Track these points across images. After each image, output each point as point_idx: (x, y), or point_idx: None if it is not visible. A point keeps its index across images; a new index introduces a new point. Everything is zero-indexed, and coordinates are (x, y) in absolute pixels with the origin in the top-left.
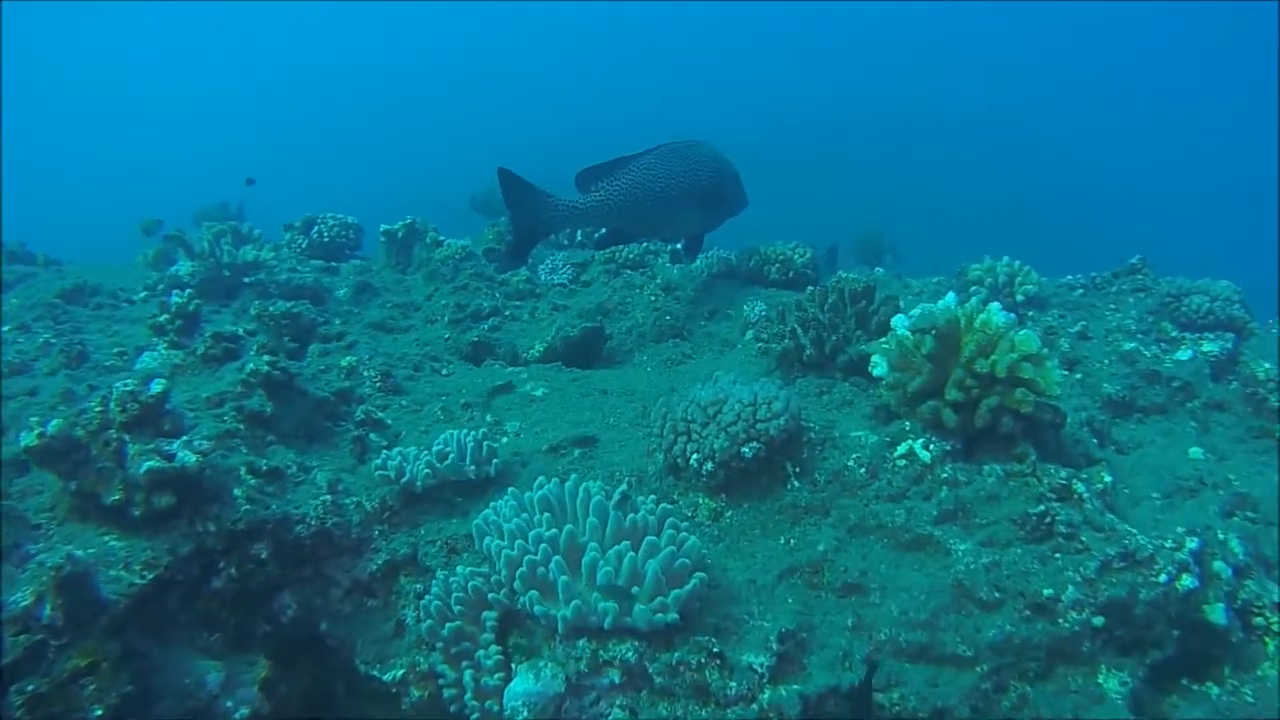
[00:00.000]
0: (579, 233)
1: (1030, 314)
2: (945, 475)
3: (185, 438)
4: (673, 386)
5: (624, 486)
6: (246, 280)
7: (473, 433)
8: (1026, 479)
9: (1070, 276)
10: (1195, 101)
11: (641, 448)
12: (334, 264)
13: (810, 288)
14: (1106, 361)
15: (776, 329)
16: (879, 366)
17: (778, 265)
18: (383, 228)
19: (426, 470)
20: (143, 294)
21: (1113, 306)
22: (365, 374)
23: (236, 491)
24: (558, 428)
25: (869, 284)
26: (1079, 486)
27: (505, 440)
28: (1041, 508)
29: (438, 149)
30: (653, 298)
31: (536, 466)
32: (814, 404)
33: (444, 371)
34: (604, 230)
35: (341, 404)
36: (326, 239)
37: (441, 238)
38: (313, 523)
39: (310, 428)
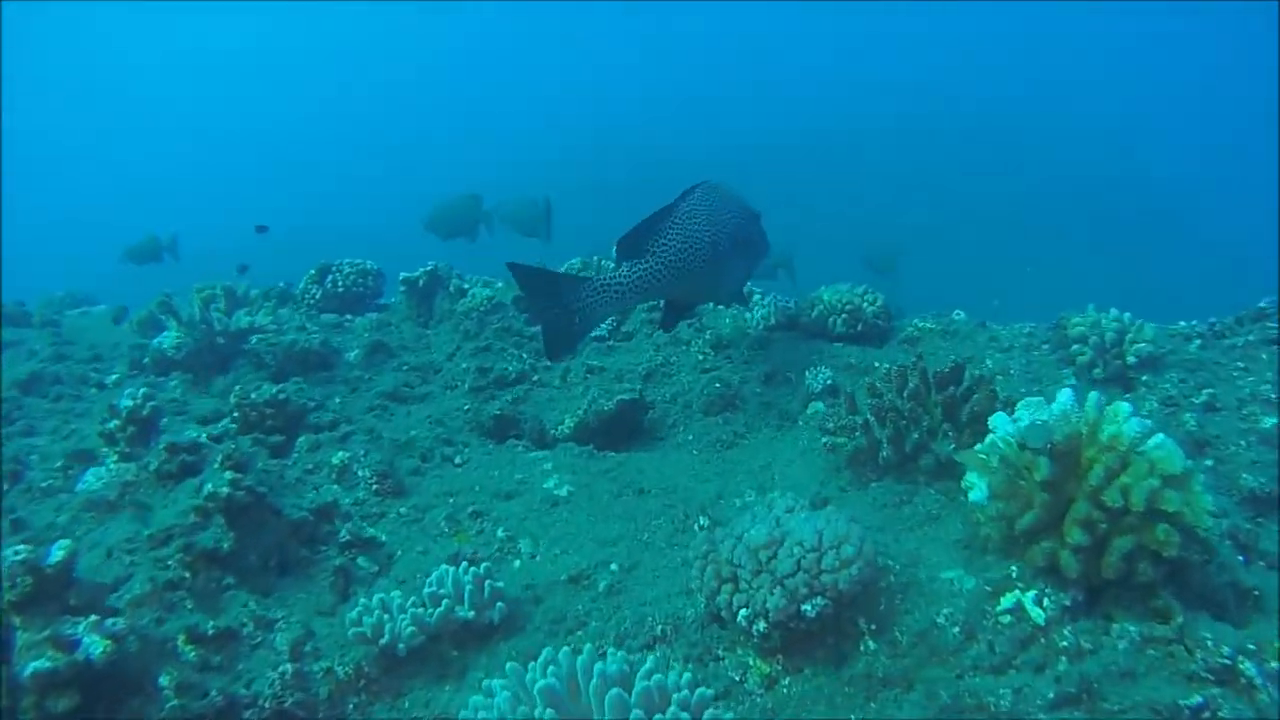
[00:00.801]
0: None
1: (1144, 378)
2: (1065, 642)
3: (93, 618)
4: (720, 495)
5: (650, 662)
6: (246, 347)
7: (473, 569)
8: (1171, 648)
9: (1184, 324)
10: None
11: (680, 578)
12: (349, 318)
13: (885, 366)
14: (1244, 444)
15: (845, 420)
16: (976, 490)
17: (844, 316)
18: (402, 276)
19: (412, 628)
20: (115, 376)
21: (1241, 365)
22: (360, 473)
23: (163, 679)
24: (581, 547)
25: (957, 364)
26: (1247, 668)
27: (518, 564)
28: (1198, 699)
29: (454, 159)
30: (701, 357)
31: (553, 604)
32: (892, 520)
33: (457, 460)
34: (658, 303)
35: (324, 523)
36: (341, 289)
37: (466, 285)
38: (267, 705)
39: (284, 557)
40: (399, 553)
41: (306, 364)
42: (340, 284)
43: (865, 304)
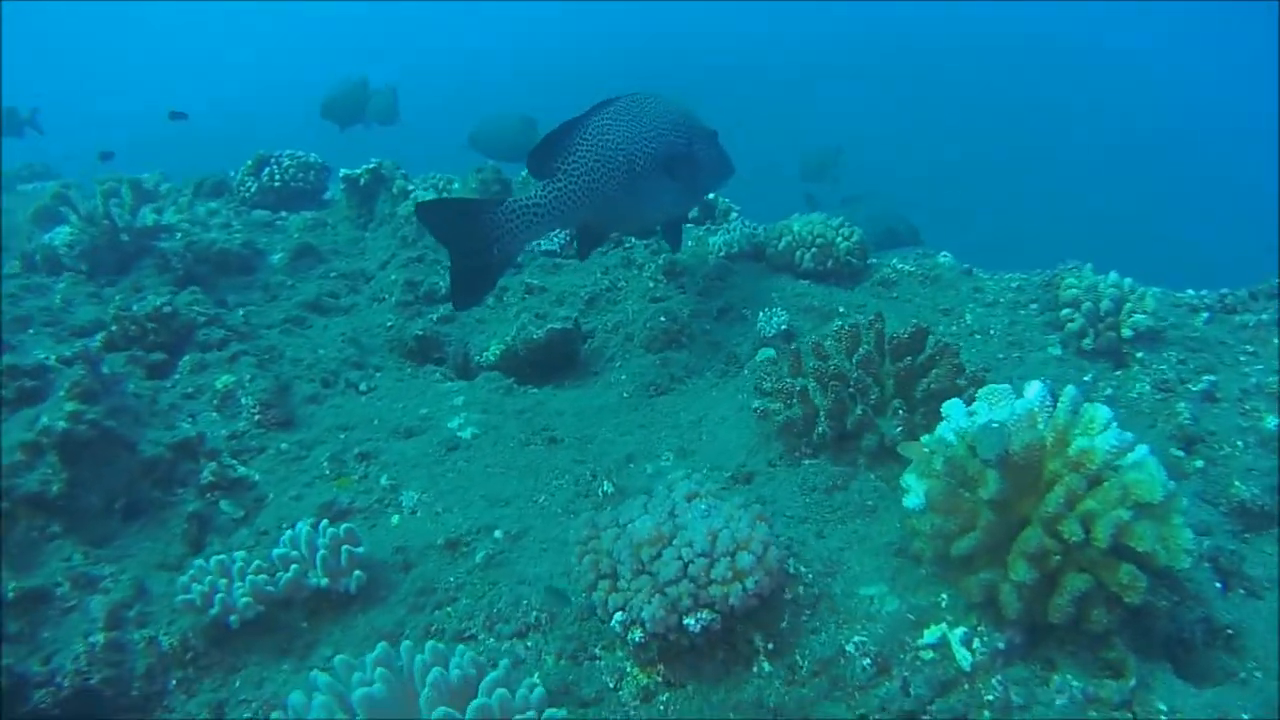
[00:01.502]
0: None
1: (1140, 354)
2: (992, 694)
3: None
4: (635, 454)
5: (501, 669)
6: (160, 244)
7: (330, 529)
8: (1117, 714)
9: (1192, 293)
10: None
11: (569, 555)
12: (284, 216)
13: (837, 324)
14: (1241, 444)
15: (784, 382)
16: (912, 495)
17: (814, 251)
18: (343, 172)
19: (248, 598)
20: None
21: (1250, 349)
22: (244, 400)
23: None
24: (469, 504)
25: (919, 328)
26: None
27: (396, 520)
28: None
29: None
30: (652, 284)
31: (423, 572)
32: (819, 509)
33: (363, 387)
34: (568, 231)
35: (186, 460)
36: (278, 183)
37: (411, 186)
38: (65, 683)
39: (133, 499)
40: (270, 496)
41: (225, 266)
42: (278, 177)
43: (839, 239)
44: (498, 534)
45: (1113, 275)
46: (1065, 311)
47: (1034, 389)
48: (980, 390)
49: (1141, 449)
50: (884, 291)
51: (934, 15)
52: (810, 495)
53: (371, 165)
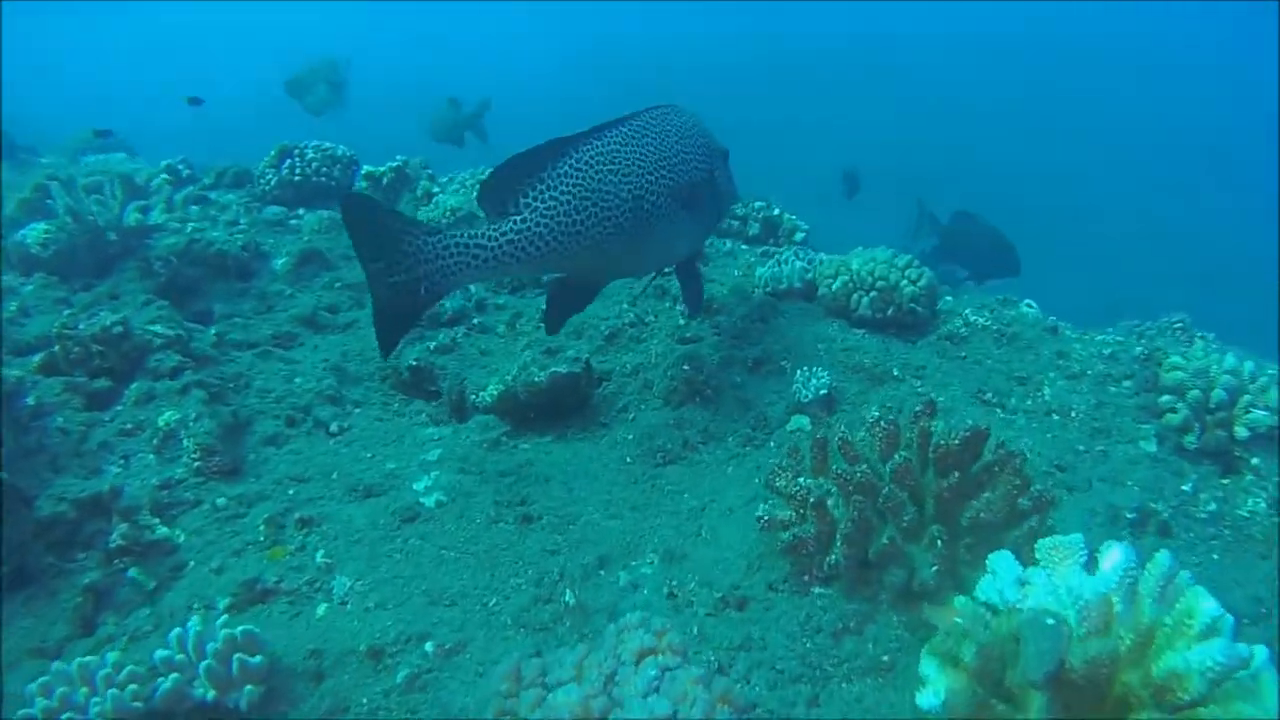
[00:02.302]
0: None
1: (1255, 460)
2: None
3: None
4: (615, 553)
5: None
6: (152, 244)
7: (225, 630)
8: None
9: None
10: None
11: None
12: (299, 214)
13: (874, 415)
14: None
15: (799, 485)
16: (930, 690)
17: (874, 295)
18: (365, 169)
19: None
20: None
21: None
22: (186, 443)
23: None
24: (407, 599)
25: (975, 431)
26: None
27: (322, 611)
28: None
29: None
30: (683, 321)
31: (334, 686)
32: (823, 658)
33: (334, 427)
34: (543, 280)
35: (92, 519)
36: (298, 177)
37: (436, 188)
38: None
39: (20, 568)
40: (191, 564)
41: (222, 270)
42: (299, 171)
43: (905, 282)
44: (429, 647)
45: (1229, 358)
46: (1166, 399)
47: (1114, 559)
48: (1041, 543)
49: (1259, 656)
50: (951, 349)
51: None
52: (813, 639)
53: (396, 163)
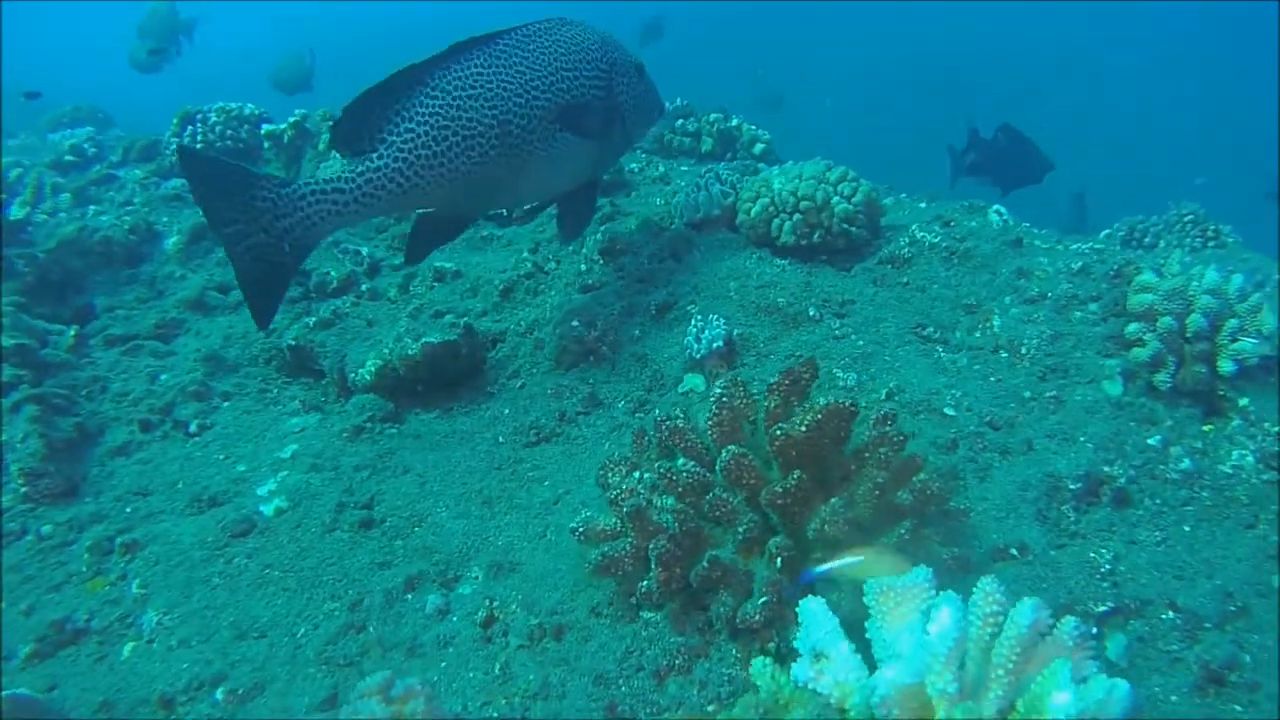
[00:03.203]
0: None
1: (1244, 402)
2: None
3: None
4: (432, 570)
5: None
6: (25, 235)
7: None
8: None
9: None
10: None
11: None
12: None
13: (717, 390)
14: None
15: (633, 481)
16: None
17: (797, 218)
18: (264, 128)
19: None
20: None
21: None
22: (12, 468)
23: None
24: (213, 634)
25: (840, 407)
26: None
27: (126, 652)
28: None
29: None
30: (584, 266)
31: None
32: (642, 701)
33: (193, 427)
34: (409, 221)
35: None
36: (200, 144)
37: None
38: None
39: None
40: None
41: (109, 258)
42: (200, 137)
43: (836, 199)
44: (220, 693)
45: (1211, 272)
46: (1133, 327)
47: (942, 624)
48: (870, 584)
49: None
50: (891, 275)
51: None
52: (630, 680)
53: (295, 118)
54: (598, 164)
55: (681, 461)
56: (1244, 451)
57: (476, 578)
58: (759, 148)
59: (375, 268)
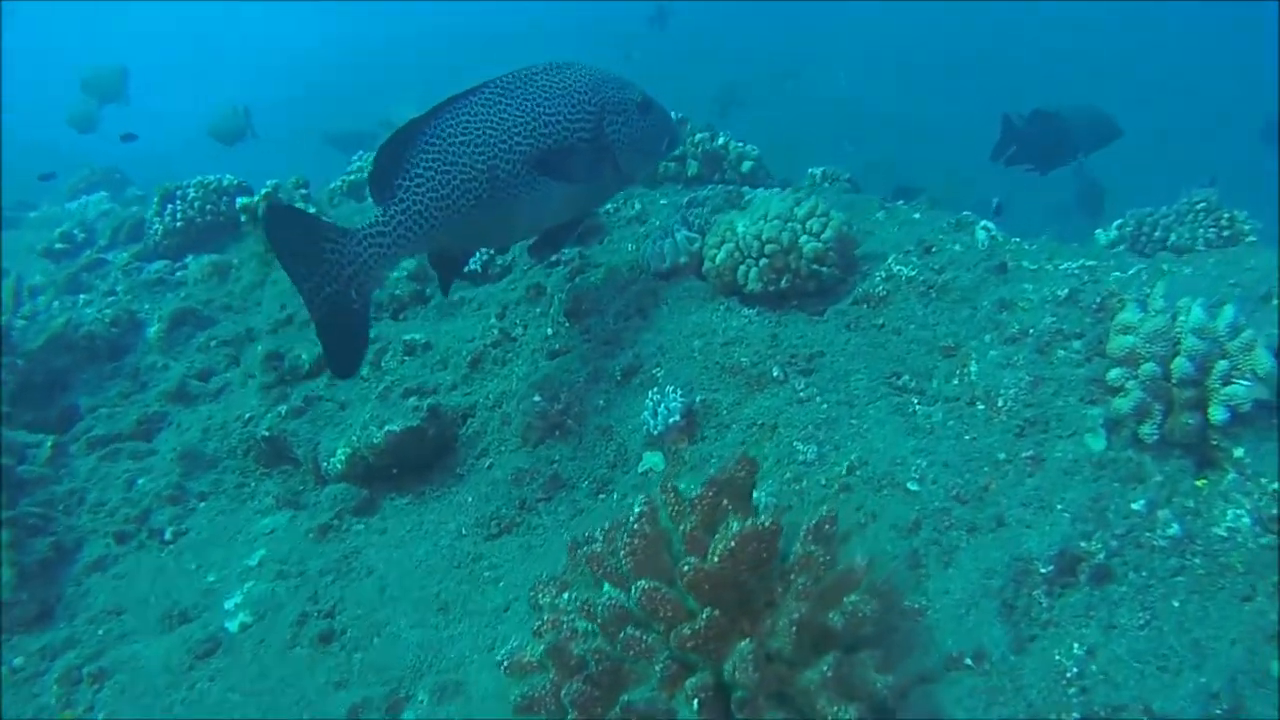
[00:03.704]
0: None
1: (1239, 453)
2: None
3: None
4: (384, 688)
5: None
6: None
7: None
8: None
9: None
10: None
11: None
12: (185, 263)
13: (636, 510)
14: None
15: (559, 601)
16: None
17: (764, 263)
18: (240, 201)
19: None
20: None
21: None
22: None
23: None
24: None
25: (759, 530)
26: None
27: None
28: None
29: None
30: (550, 330)
31: None
32: None
33: (169, 533)
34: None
35: None
36: (180, 222)
37: (312, 209)
38: None
39: None
40: None
41: (93, 353)
42: (179, 216)
43: (805, 237)
44: None
45: (1197, 310)
46: (1115, 373)
47: None
48: None
49: None
50: (866, 316)
51: None
52: None
53: (267, 189)
54: (590, 202)
55: (606, 589)
56: (1240, 511)
57: (422, 701)
58: (747, 165)
59: None
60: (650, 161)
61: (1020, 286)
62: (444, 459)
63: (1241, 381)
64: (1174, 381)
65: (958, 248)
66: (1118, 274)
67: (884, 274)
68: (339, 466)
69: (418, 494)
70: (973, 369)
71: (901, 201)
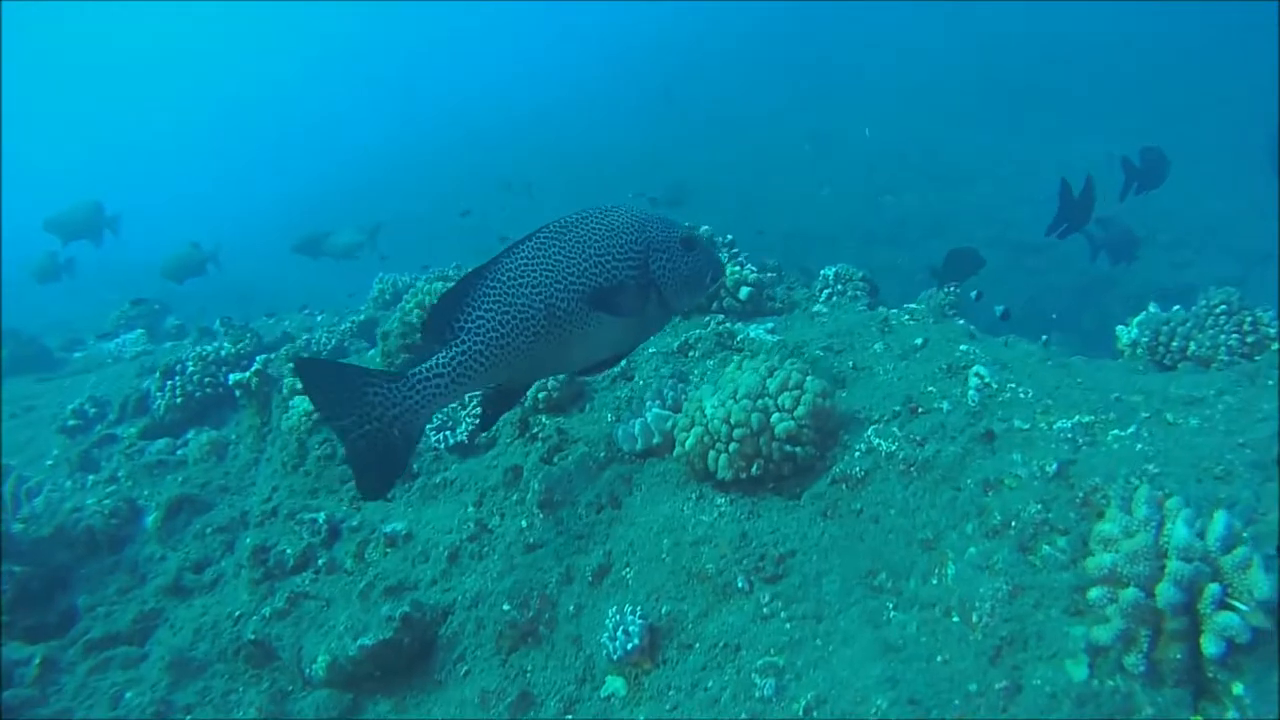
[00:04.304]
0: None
1: (1238, 689)
2: None
3: None
4: None
5: None
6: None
7: None
8: None
9: None
10: None
11: None
12: (186, 439)
13: None
14: None
15: None
16: None
17: (734, 446)
18: (233, 378)
19: None
20: None
21: None
22: None
23: None
24: None
25: None
26: None
27: None
28: None
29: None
30: (525, 523)
31: None
32: None
33: None
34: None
35: None
36: (180, 399)
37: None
38: None
39: None
40: None
41: (94, 547)
42: (179, 391)
43: (776, 415)
44: None
45: (1181, 527)
46: (1095, 594)
47: None
48: None
49: None
50: (844, 500)
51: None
52: None
53: (258, 365)
54: (639, 335)
55: None
56: None
57: None
58: (745, 291)
59: (335, 531)
60: (695, 294)
61: (1009, 459)
62: (426, 660)
63: (1237, 607)
64: (1160, 608)
65: (946, 405)
66: (1116, 432)
67: (864, 448)
68: (321, 673)
69: (399, 699)
70: (950, 571)
71: (912, 307)
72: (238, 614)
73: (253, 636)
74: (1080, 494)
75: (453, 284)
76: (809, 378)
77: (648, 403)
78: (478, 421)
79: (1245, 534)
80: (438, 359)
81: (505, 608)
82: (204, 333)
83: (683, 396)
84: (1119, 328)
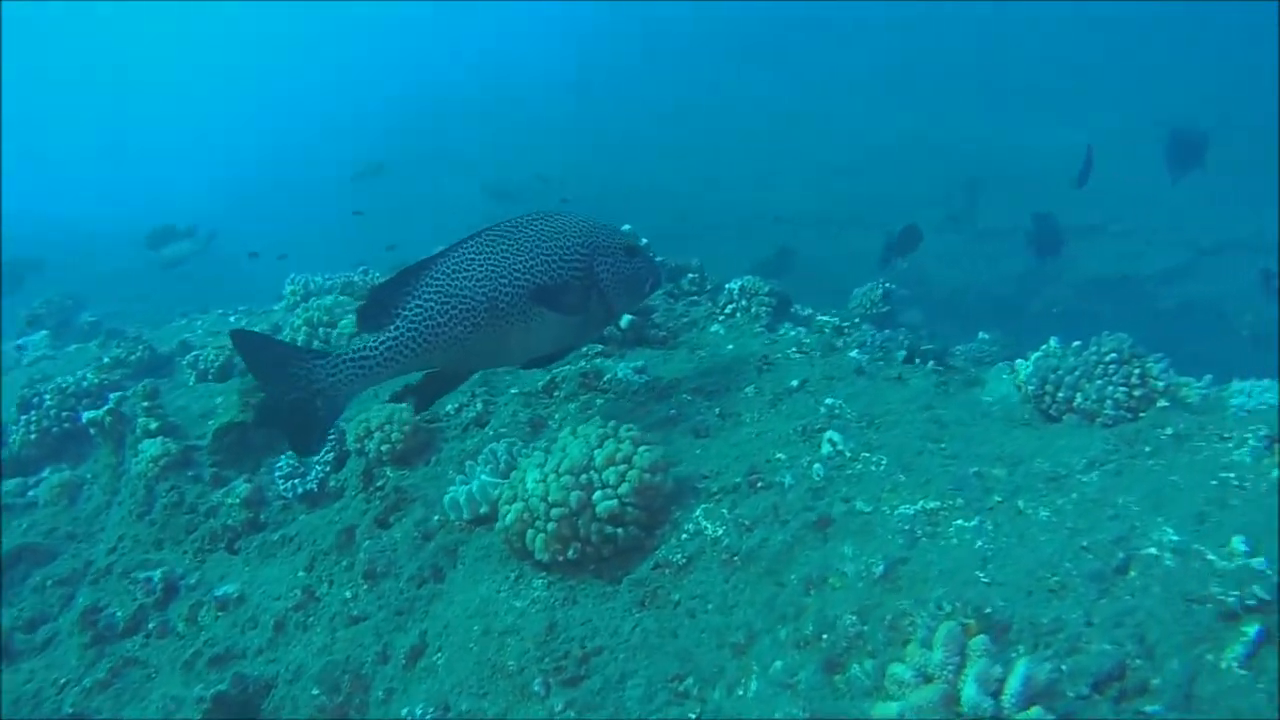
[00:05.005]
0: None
1: None
2: None
3: None
4: None
5: None
6: None
7: None
8: None
9: None
10: None
11: None
12: (43, 477)
13: None
14: None
15: None
16: None
17: (552, 526)
18: (86, 417)
19: None
20: None
21: None
22: None
23: None
24: None
25: None
26: None
27: None
28: None
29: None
30: (348, 594)
31: None
32: None
33: None
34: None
35: None
36: (35, 435)
37: (155, 423)
38: None
39: None
40: None
41: None
42: (35, 426)
43: (598, 493)
44: None
45: (971, 687)
46: None
47: None
48: None
49: None
50: (663, 589)
51: None
52: None
53: (110, 404)
54: (580, 334)
55: None
56: None
57: None
58: (625, 320)
59: (172, 589)
60: (636, 298)
61: (839, 551)
62: None
63: None
64: None
65: (788, 480)
66: (960, 523)
67: (691, 530)
68: None
69: None
70: (753, 688)
71: (808, 333)
72: (63, 681)
73: (71, 711)
74: (889, 616)
75: (386, 280)
76: (640, 449)
77: (479, 467)
78: (333, 459)
79: (1047, 678)
80: (368, 341)
81: (315, 692)
82: (111, 335)
83: (519, 458)
84: (1019, 361)
